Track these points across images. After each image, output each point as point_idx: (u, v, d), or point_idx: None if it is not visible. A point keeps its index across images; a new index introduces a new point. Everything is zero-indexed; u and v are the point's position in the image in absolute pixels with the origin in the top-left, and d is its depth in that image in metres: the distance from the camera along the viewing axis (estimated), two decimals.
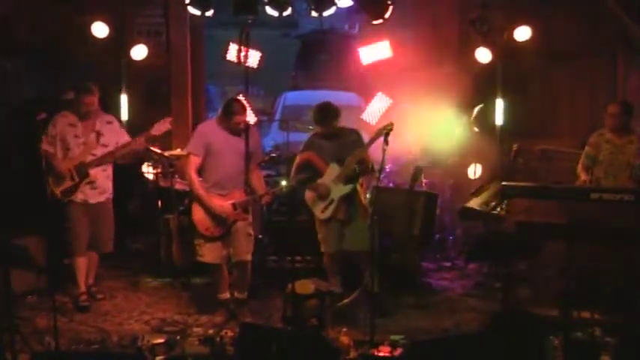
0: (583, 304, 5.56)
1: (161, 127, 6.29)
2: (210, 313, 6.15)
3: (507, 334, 4.67)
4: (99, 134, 6.35)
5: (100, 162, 6.32)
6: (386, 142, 5.84)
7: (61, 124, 6.30)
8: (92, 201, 6.34)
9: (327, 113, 6.25)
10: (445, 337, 5.48)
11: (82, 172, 6.26)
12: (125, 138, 6.48)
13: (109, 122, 6.47)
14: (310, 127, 7.17)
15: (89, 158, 6.30)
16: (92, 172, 6.29)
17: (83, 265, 6.43)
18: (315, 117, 6.32)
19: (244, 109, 5.97)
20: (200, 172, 6.01)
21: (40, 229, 6.35)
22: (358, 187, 6.32)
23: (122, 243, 7.28)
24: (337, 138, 6.31)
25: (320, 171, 6.30)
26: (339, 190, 6.21)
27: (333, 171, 6.25)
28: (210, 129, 6.03)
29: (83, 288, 6.43)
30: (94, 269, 6.60)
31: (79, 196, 6.29)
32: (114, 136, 6.42)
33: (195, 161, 5.94)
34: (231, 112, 5.88)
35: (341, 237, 6.29)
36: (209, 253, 5.99)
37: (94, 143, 6.32)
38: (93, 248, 6.47)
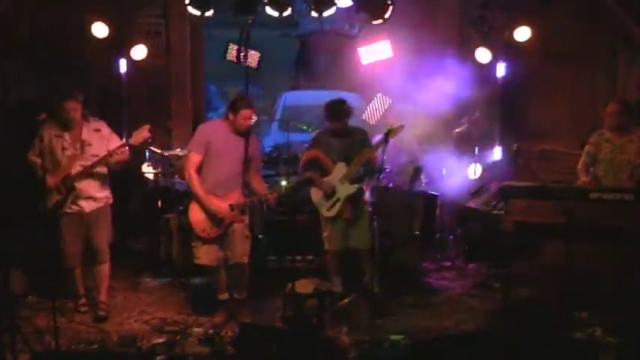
0: (583, 304, 5.56)
1: (138, 137, 5.99)
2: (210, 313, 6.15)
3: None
4: (84, 144, 6.03)
5: (86, 173, 5.99)
6: (386, 142, 5.85)
7: (48, 136, 6.00)
8: (88, 210, 6.07)
9: (341, 110, 6.27)
10: (445, 337, 5.48)
11: (67, 184, 5.96)
12: (115, 144, 6.10)
13: (97, 130, 6.13)
14: (311, 129, 7.18)
15: (76, 170, 5.99)
16: (82, 183, 5.99)
17: (79, 274, 6.27)
18: (328, 113, 6.31)
19: (251, 105, 5.96)
20: (199, 171, 5.98)
21: (39, 230, 6.35)
22: (364, 186, 6.33)
23: (122, 243, 7.28)
24: (345, 137, 6.31)
25: (327, 169, 6.30)
26: (346, 190, 6.22)
27: (340, 170, 6.26)
28: (213, 128, 6.01)
29: (82, 291, 6.31)
30: (105, 284, 6.29)
31: (73, 208, 6.03)
32: (103, 144, 6.07)
33: (195, 159, 5.91)
34: (238, 107, 5.84)
35: (346, 235, 6.30)
36: (206, 256, 5.96)
37: (78, 155, 6.00)
38: (90, 257, 6.22)
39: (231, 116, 5.89)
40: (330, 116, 6.31)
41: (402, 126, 6.06)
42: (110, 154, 5.97)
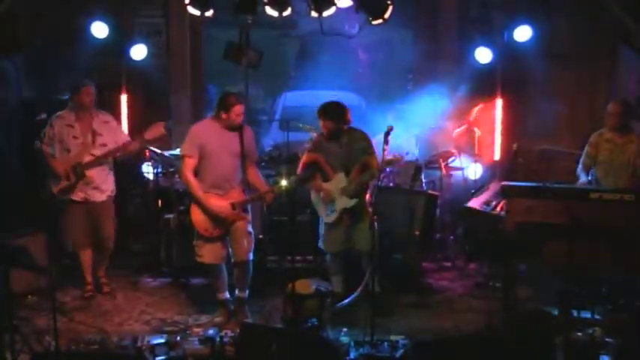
0: (583, 304, 5.56)
1: (154, 132, 6.22)
2: (210, 313, 6.15)
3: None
4: (95, 134, 6.37)
5: (97, 162, 6.35)
6: (386, 142, 5.83)
7: (58, 125, 6.35)
8: (93, 200, 6.40)
9: (333, 111, 6.21)
10: (445, 337, 5.49)
11: (78, 172, 6.30)
12: (123, 136, 6.54)
13: (106, 122, 6.48)
14: (310, 127, 7.16)
15: (87, 158, 6.33)
16: (91, 172, 6.33)
17: (87, 257, 6.55)
18: (321, 112, 6.23)
19: (241, 100, 5.88)
20: (196, 173, 5.93)
21: (39, 229, 6.36)
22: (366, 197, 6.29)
23: (122, 243, 7.28)
24: (346, 143, 6.25)
25: (326, 174, 6.27)
26: (343, 203, 6.19)
27: (339, 182, 6.22)
28: (204, 129, 5.92)
29: (89, 279, 6.59)
30: (105, 263, 6.71)
31: (79, 195, 6.36)
32: (112, 135, 6.44)
33: (190, 163, 5.84)
34: (228, 105, 5.78)
35: (345, 238, 6.28)
36: (208, 254, 5.96)
37: (89, 144, 6.35)
38: (96, 245, 6.55)
39: (223, 115, 5.82)
40: (322, 115, 6.23)
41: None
42: (123, 146, 6.33)
